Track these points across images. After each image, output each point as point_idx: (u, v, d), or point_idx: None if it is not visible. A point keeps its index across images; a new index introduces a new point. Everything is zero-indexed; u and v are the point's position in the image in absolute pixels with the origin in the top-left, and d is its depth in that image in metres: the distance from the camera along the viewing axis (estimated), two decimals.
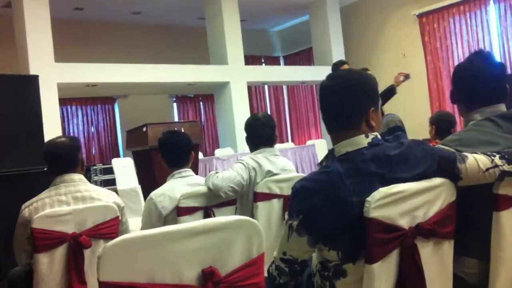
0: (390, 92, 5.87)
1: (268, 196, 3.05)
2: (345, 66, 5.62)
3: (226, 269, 1.34)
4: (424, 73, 9.98)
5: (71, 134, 10.74)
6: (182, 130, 5.18)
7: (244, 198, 3.12)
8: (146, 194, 3.02)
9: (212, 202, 2.93)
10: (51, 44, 7.67)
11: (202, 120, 12.78)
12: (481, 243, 1.76)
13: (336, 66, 5.69)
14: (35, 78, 3.87)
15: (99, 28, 10.83)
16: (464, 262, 1.81)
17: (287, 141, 12.94)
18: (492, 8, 9.03)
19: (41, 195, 2.61)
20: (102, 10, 10.18)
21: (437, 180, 1.61)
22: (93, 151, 11.25)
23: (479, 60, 1.95)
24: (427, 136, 3.83)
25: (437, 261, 1.61)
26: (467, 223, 1.75)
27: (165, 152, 3.00)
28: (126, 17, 10.85)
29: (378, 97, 1.68)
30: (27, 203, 2.59)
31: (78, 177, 2.70)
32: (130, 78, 8.64)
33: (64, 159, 2.67)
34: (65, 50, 8.94)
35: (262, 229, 1.41)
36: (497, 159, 1.66)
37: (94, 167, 9.23)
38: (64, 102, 10.59)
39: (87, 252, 2.51)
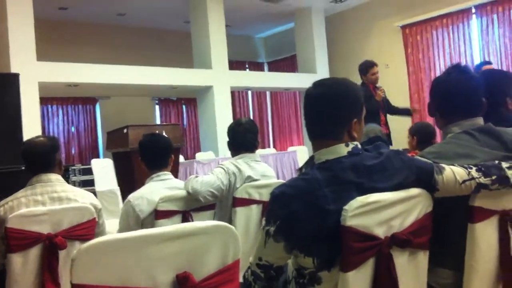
0: (404, 112, 5.98)
1: (247, 202, 3.05)
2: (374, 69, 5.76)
3: (201, 274, 1.33)
4: (406, 84, 10.08)
5: (51, 134, 10.62)
6: (164, 133, 5.17)
7: (223, 203, 3.12)
8: (125, 196, 3.00)
9: (191, 206, 2.92)
10: (34, 42, 7.58)
11: (184, 123, 12.74)
12: (455, 254, 1.77)
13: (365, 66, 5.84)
14: (15, 77, 3.84)
15: (83, 28, 10.75)
16: (438, 272, 1.82)
17: (269, 147, 12.95)
18: (474, 22, 9.16)
19: (17, 194, 2.58)
20: (86, 10, 10.10)
21: (414, 191, 1.63)
22: (73, 151, 11.13)
23: (457, 73, 1.97)
24: (406, 146, 3.87)
25: (412, 271, 1.63)
26: (442, 234, 1.77)
27: (145, 154, 2.99)
28: (110, 18, 10.78)
29: (362, 108, 1.69)
30: (2, 202, 2.55)
31: (55, 177, 2.67)
32: (112, 79, 8.57)
33: (42, 158, 2.64)
34: (47, 49, 8.84)
35: (239, 235, 1.41)
36: (473, 172, 1.68)
37: (73, 168, 9.11)
38: (45, 101, 10.47)
39: (62, 254, 2.48)
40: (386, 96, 5.87)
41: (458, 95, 1.95)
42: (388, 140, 5.67)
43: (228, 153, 3.32)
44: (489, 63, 5.38)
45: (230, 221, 3.02)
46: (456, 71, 1.98)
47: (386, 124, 5.91)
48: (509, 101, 2.31)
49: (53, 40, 10.04)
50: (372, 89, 5.77)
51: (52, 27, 10.15)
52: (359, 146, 1.65)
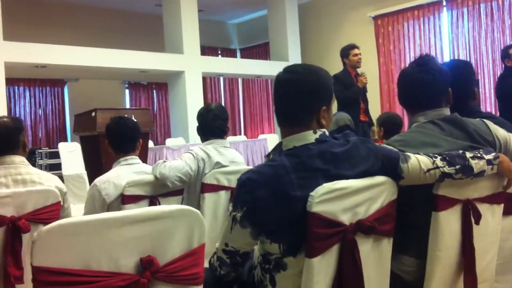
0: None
1: (216, 188, 3.04)
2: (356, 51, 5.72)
3: (166, 258, 1.33)
4: (376, 74, 10.16)
5: (17, 116, 10.40)
6: (133, 117, 5.10)
7: (192, 188, 3.10)
8: (92, 180, 2.96)
9: (159, 191, 2.90)
10: (0, 21, 7.38)
11: (155, 108, 12.61)
12: (419, 242, 1.80)
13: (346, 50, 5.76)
14: None
15: (52, 8, 10.50)
16: (402, 260, 1.85)
17: (240, 134, 12.94)
18: (445, 14, 9.27)
19: None
20: None
21: (379, 178, 1.65)
22: (40, 134, 10.92)
23: (415, 65, 2.00)
24: (375, 136, 3.91)
25: (376, 258, 1.65)
26: (406, 222, 1.80)
27: (112, 138, 2.94)
28: None
29: (331, 96, 1.69)
30: None
31: (20, 159, 2.61)
32: (81, 61, 8.41)
33: (5, 140, 2.57)
34: (15, 28, 8.61)
35: (208, 221, 1.40)
36: (438, 161, 1.71)
37: (40, 151, 8.96)
38: (11, 82, 10.22)
39: (25, 237, 2.43)
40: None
41: (415, 87, 1.98)
42: (368, 128, 5.70)
43: (198, 140, 3.31)
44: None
45: (198, 207, 3.01)
46: (420, 63, 2.01)
47: (366, 112, 5.82)
48: (476, 91, 2.33)
49: (21, 19, 9.79)
50: (353, 77, 5.71)
51: (20, 6, 9.89)
52: (327, 133, 1.66)
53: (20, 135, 2.64)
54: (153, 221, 1.30)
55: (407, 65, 2.09)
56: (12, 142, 2.60)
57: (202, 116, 3.20)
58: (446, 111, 1.97)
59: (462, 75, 2.26)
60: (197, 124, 3.26)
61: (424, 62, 1.99)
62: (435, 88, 1.96)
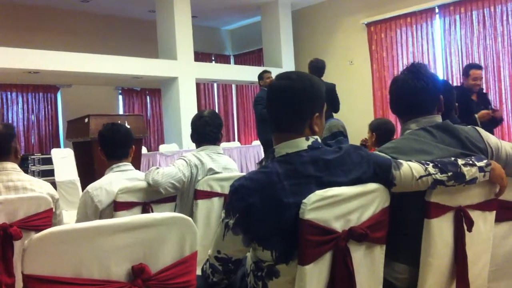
0: None
1: (209, 194, 3.03)
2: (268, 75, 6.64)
3: (157, 266, 1.32)
4: (369, 81, 10.21)
5: (10, 122, 10.35)
6: (126, 123, 5.09)
7: (185, 195, 3.09)
8: (84, 186, 2.95)
9: (151, 198, 2.89)
10: None
11: (148, 114, 12.60)
12: (411, 249, 1.80)
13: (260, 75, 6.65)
14: None
15: (44, 14, 10.48)
16: (394, 267, 1.85)
17: (234, 140, 12.94)
18: (437, 21, 9.33)
19: None
20: None
21: (372, 185, 1.65)
22: (33, 140, 10.88)
23: (412, 73, 2.00)
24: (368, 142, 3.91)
25: (368, 265, 1.65)
26: (399, 229, 1.80)
27: (104, 144, 2.93)
28: (74, 4, 10.54)
29: (324, 102, 1.70)
30: None
31: (11, 166, 2.60)
32: (74, 67, 8.39)
33: None
34: (7, 34, 8.61)
35: (201, 228, 1.40)
36: (430, 168, 1.71)
37: (33, 157, 8.92)
38: (4, 88, 10.21)
39: (17, 244, 2.42)
40: None
41: (407, 94, 1.99)
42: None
43: (192, 146, 3.31)
44: (479, 67, 5.47)
45: (192, 213, 3.00)
46: (407, 70, 2.02)
47: None
48: (456, 105, 2.47)
49: (13, 25, 9.77)
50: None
51: (12, 12, 9.87)
52: (319, 140, 1.66)
53: (12, 141, 2.62)
54: (144, 228, 1.29)
55: (400, 72, 2.10)
56: (4, 149, 2.58)
57: (194, 123, 3.22)
58: (438, 118, 1.98)
59: (444, 91, 2.29)
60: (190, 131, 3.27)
61: (415, 70, 2.00)
62: (427, 95, 1.97)
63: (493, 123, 5.02)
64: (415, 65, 2.03)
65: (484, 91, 5.78)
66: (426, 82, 1.95)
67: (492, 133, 3.33)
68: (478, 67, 5.33)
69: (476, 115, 4.73)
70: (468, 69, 5.24)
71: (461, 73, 5.51)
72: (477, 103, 5.07)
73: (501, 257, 2.09)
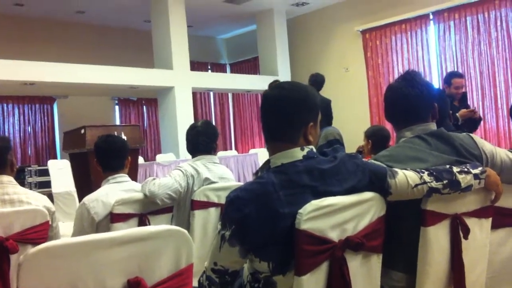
0: None
1: (206, 205, 3.03)
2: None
3: (153, 279, 1.32)
4: (365, 88, 10.23)
5: (6, 134, 10.34)
6: (122, 134, 5.09)
7: (181, 205, 3.09)
8: (81, 198, 2.94)
9: (148, 209, 2.88)
10: None
11: (145, 124, 12.58)
12: (408, 257, 1.80)
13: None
14: None
15: (40, 25, 10.49)
16: (391, 275, 1.85)
17: (231, 148, 12.94)
18: (432, 28, 9.37)
19: None
20: (44, 7, 9.84)
21: (367, 194, 1.65)
22: (29, 152, 10.85)
23: (407, 80, 2.01)
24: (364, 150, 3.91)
25: (365, 274, 1.65)
26: (395, 237, 1.80)
27: (100, 156, 2.93)
28: (69, 15, 10.56)
29: (318, 112, 1.70)
30: None
31: (7, 178, 2.59)
32: (70, 78, 8.39)
33: None
34: (2, 46, 8.60)
35: (198, 238, 1.40)
36: (425, 176, 1.71)
37: (29, 168, 8.90)
38: (0, 99, 10.20)
39: (13, 258, 2.40)
40: None
41: (401, 101, 1.99)
42: None
43: (189, 156, 3.32)
44: (460, 76, 5.59)
45: (188, 224, 3.00)
46: (402, 78, 2.03)
47: None
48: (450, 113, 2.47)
49: (9, 37, 9.78)
50: None
51: (8, 24, 9.89)
52: (314, 150, 1.66)
53: (7, 154, 2.62)
54: (140, 242, 1.29)
55: (394, 79, 2.10)
56: (0, 162, 2.58)
57: (188, 133, 3.26)
58: (433, 126, 1.98)
59: (438, 99, 2.30)
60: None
61: (410, 77, 2.00)
62: (421, 102, 1.97)
63: (472, 123, 5.09)
64: (410, 73, 2.04)
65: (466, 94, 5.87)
66: (421, 90, 1.96)
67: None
68: (460, 75, 5.44)
69: (457, 114, 4.80)
70: (450, 78, 5.32)
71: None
72: (458, 107, 5.16)
73: (498, 264, 2.09)
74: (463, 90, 5.33)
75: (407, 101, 1.97)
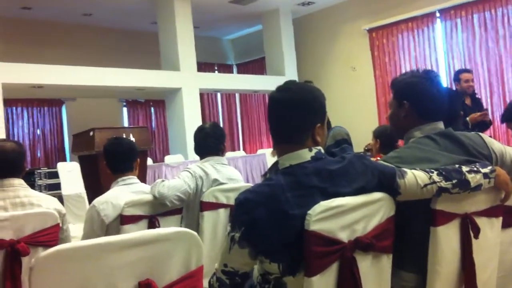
0: None
1: (215, 206, 3.04)
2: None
3: (164, 281, 1.32)
4: (373, 87, 10.20)
5: (16, 137, 10.41)
6: (131, 136, 5.11)
7: (190, 207, 3.10)
8: (91, 200, 2.97)
9: (157, 210, 2.89)
10: None
11: (153, 125, 12.61)
12: (418, 257, 1.80)
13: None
14: None
15: (48, 28, 10.54)
16: (402, 276, 1.84)
17: (239, 149, 12.94)
18: (438, 25, 9.33)
19: None
20: (51, 10, 9.90)
21: (376, 195, 1.64)
22: (38, 155, 10.91)
23: (429, 79, 2.00)
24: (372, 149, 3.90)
25: (375, 275, 1.64)
26: (405, 237, 1.79)
27: (109, 159, 2.95)
28: (76, 18, 10.61)
29: (325, 113, 1.70)
30: None
31: (18, 181, 2.61)
32: (78, 80, 8.43)
33: (10, 163, 2.58)
34: (11, 49, 8.65)
35: (207, 239, 1.41)
36: (435, 176, 1.71)
37: (39, 171, 8.95)
38: (9, 103, 10.24)
39: (25, 260, 2.42)
40: None
41: (425, 98, 1.98)
42: None
43: (197, 157, 3.33)
44: (468, 71, 5.57)
45: (198, 225, 3.01)
46: (424, 76, 2.01)
47: None
48: (461, 114, 2.45)
49: (17, 40, 9.83)
50: None
51: (16, 27, 9.94)
52: (322, 151, 1.66)
53: (24, 160, 2.66)
54: (150, 244, 1.30)
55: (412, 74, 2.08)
56: (16, 167, 2.61)
57: (196, 135, 3.27)
58: (441, 125, 1.98)
59: (452, 100, 2.31)
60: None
61: (433, 76, 2.00)
62: (441, 100, 1.98)
63: (482, 125, 5.06)
64: (431, 71, 2.04)
65: (478, 96, 5.83)
66: (442, 90, 1.97)
67: None
68: (467, 70, 5.45)
69: (467, 118, 4.77)
70: (458, 74, 5.35)
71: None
72: (470, 107, 5.12)
73: (509, 263, 2.08)
74: (472, 84, 5.31)
75: (431, 98, 1.97)
